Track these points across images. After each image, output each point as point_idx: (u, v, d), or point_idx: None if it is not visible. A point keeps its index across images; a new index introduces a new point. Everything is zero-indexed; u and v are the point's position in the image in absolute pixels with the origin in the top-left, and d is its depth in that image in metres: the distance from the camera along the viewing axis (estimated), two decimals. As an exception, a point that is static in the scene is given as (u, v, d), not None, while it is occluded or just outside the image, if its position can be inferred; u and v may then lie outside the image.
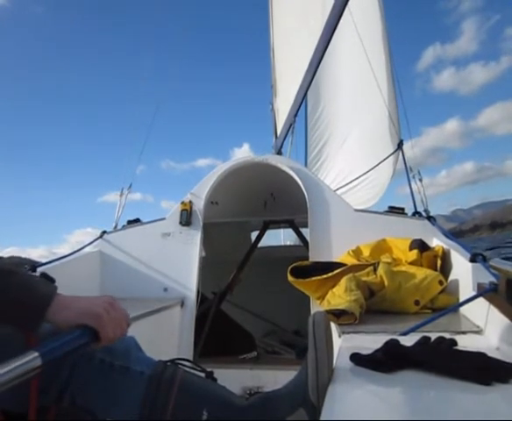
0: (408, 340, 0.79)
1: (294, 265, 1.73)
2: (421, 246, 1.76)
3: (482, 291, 1.11)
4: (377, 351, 0.77)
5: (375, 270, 1.57)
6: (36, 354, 0.64)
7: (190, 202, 2.29)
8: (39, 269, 1.82)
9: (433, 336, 0.82)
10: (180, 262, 2.20)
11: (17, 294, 0.73)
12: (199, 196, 2.31)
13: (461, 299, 1.42)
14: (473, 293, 1.20)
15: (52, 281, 0.83)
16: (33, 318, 0.73)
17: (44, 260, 2.08)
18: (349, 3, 2.26)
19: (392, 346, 0.77)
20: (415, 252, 1.73)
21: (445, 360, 0.71)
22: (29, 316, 0.73)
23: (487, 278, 1.15)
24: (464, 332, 1.11)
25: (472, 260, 1.39)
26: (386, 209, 2.24)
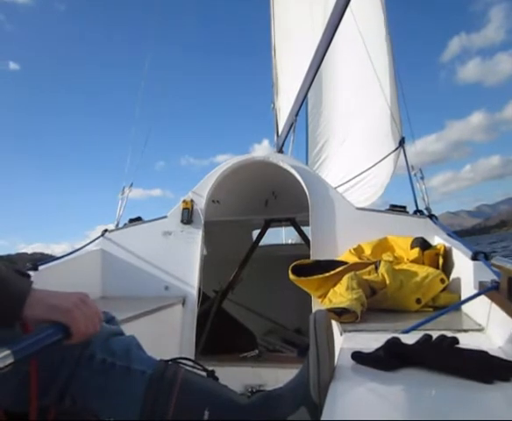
0: (410, 339, 0.79)
1: (295, 263, 1.73)
2: (422, 244, 1.76)
3: (484, 289, 1.11)
4: (378, 349, 0.76)
5: (377, 269, 1.57)
6: (8, 352, 0.65)
7: (192, 200, 2.29)
8: (41, 268, 1.83)
9: (435, 334, 0.81)
10: (181, 261, 2.20)
11: None
12: (200, 194, 2.31)
13: (463, 297, 1.42)
14: (475, 291, 1.19)
15: (27, 276, 0.83)
16: (9, 317, 0.73)
17: None
18: (351, 0, 2.25)
19: (393, 344, 0.77)
20: (416, 250, 1.73)
21: (447, 359, 0.71)
22: (4, 314, 0.73)
23: (489, 276, 1.14)
24: (465, 331, 1.11)
25: (474, 258, 1.38)
26: (387, 207, 2.24)
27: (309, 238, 2.13)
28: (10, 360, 0.65)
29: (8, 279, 0.76)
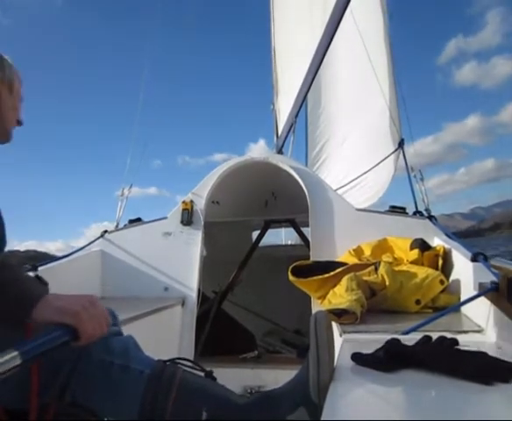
0: (410, 340, 0.79)
1: (295, 264, 1.73)
2: (422, 245, 1.76)
3: (483, 291, 1.11)
4: (378, 350, 0.76)
5: (376, 270, 1.57)
6: (15, 353, 0.65)
7: (191, 201, 2.29)
8: (41, 269, 1.82)
9: (434, 335, 0.82)
10: (181, 262, 2.20)
11: (8, 289, 0.74)
12: (200, 195, 2.31)
13: (462, 298, 1.42)
14: (475, 292, 1.19)
15: (44, 283, 0.83)
16: (18, 316, 0.74)
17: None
18: (351, 1, 2.26)
19: (393, 345, 0.77)
20: (416, 251, 1.73)
21: (446, 360, 0.71)
22: (14, 312, 0.74)
23: (489, 277, 1.14)
24: (465, 332, 1.11)
25: (474, 259, 1.38)
26: (387, 208, 2.24)
27: (309, 239, 2.13)
28: (18, 362, 0.65)
29: (21, 280, 0.77)
